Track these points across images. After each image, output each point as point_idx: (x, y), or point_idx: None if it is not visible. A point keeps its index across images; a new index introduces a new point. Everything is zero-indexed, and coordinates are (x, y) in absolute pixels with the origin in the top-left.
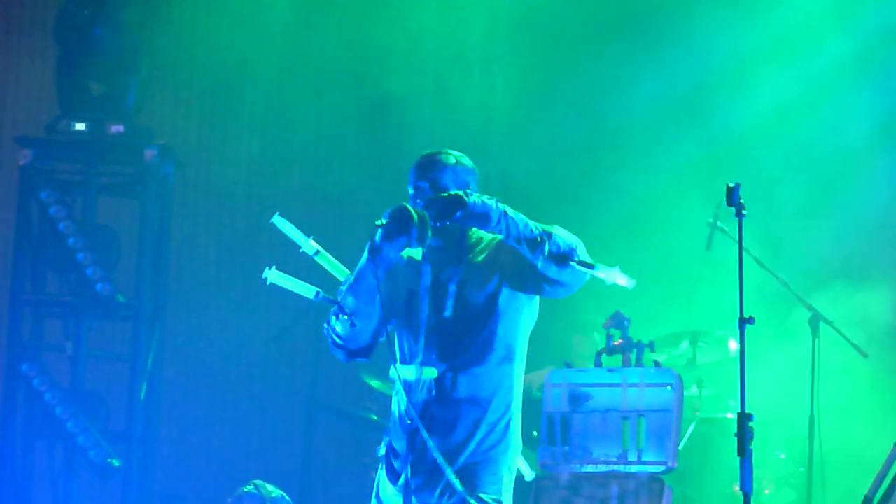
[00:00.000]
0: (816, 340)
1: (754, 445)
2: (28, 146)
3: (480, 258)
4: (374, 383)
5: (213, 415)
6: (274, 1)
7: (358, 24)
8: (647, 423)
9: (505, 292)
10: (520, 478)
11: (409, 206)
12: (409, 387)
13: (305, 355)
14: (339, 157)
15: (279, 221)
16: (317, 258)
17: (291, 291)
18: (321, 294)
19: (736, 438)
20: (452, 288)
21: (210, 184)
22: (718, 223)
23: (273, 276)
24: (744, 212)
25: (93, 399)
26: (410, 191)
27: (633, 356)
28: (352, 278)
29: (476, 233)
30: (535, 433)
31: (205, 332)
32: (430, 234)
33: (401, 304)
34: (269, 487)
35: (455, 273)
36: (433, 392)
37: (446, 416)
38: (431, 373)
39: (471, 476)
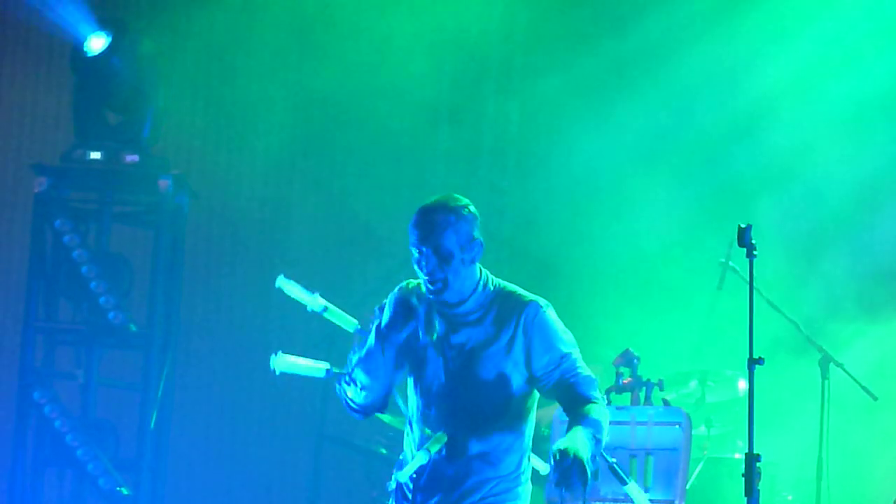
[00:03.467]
0: (826, 382)
1: (762, 486)
2: (43, 174)
3: (495, 322)
4: (385, 418)
5: (223, 445)
6: (289, 34)
7: (372, 54)
8: (655, 462)
9: (517, 360)
10: None
11: (413, 299)
12: (420, 444)
13: (315, 387)
14: (354, 185)
15: (284, 283)
16: (325, 315)
17: (299, 374)
18: (331, 371)
19: (744, 479)
20: (465, 352)
21: (223, 214)
22: (730, 263)
23: (280, 363)
24: (755, 252)
25: (103, 427)
26: (414, 252)
27: (641, 394)
28: (362, 353)
29: (488, 292)
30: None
31: (215, 363)
32: (437, 324)
33: (413, 363)
34: None
35: (468, 336)
36: (443, 452)
37: (456, 474)
38: (442, 437)
39: None
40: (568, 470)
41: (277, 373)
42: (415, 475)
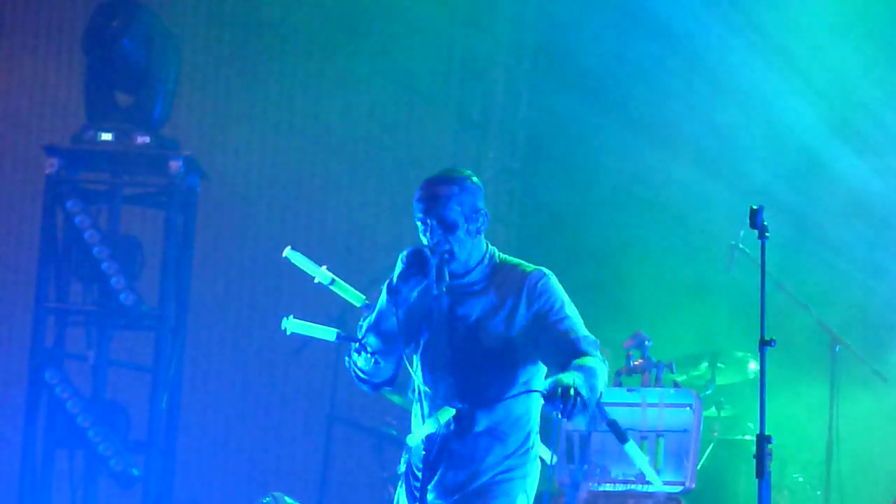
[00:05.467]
0: (835, 363)
1: (772, 467)
2: (54, 155)
3: (499, 292)
4: (395, 399)
5: (233, 426)
6: (299, 13)
7: (384, 38)
8: (666, 444)
9: (522, 329)
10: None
11: (425, 250)
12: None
13: (325, 369)
14: (364, 168)
15: (292, 255)
16: (332, 287)
17: (309, 335)
18: (341, 335)
19: (754, 460)
20: (470, 323)
21: (234, 195)
22: (741, 245)
23: (291, 325)
24: (767, 234)
25: (114, 408)
26: (419, 224)
27: (652, 376)
28: (372, 318)
29: (493, 263)
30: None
31: (226, 344)
32: (447, 275)
33: (421, 337)
34: (288, 500)
35: (473, 307)
36: (451, 426)
37: (464, 450)
38: (449, 410)
39: (484, 497)
40: (564, 396)
41: (288, 332)
42: (424, 452)
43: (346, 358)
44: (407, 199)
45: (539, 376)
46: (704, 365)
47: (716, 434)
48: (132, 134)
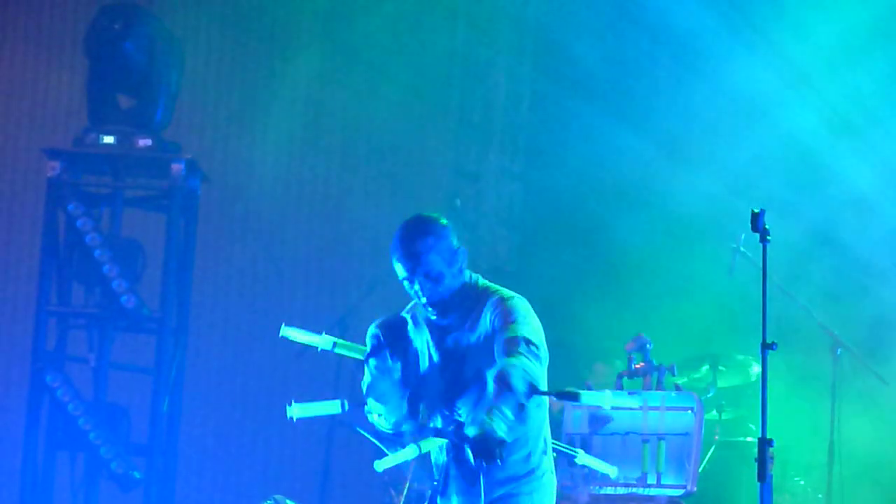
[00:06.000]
0: (837, 366)
1: (773, 471)
2: (56, 158)
3: (474, 319)
4: None
5: (234, 428)
6: (302, 16)
7: (385, 39)
8: (667, 447)
9: (490, 349)
10: None
11: (392, 318)
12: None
13: (327, 372)
14: (366, 171)
15: (288, 331)
16: (336, 350)
17: (317, 415)
18: (347, 405)
19: (756, 463)
20: (454, 355)
21: (236, 198)
22: (742, 248)
23: (295, 411)
24: (768, 238)
25: (115, 411)
26: (404, 283)
27: (654, 379)
28: (366, 383)
29: (470, 292)
30: (554, 454)
31: (228, 346)
32: (426, 333)
33: (415, 376)
34: (289, 503)
35: (454, 340)
36: (450, 453)
37: (465, 476)
38: (434, 440)
39: None
40: (480, 450)
41: (295, 420)
42: (435, 482)
43: (359, 428)
44: (408, 201)
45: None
46: (706, 368)
47: (717, 437)
48: (134, 137)
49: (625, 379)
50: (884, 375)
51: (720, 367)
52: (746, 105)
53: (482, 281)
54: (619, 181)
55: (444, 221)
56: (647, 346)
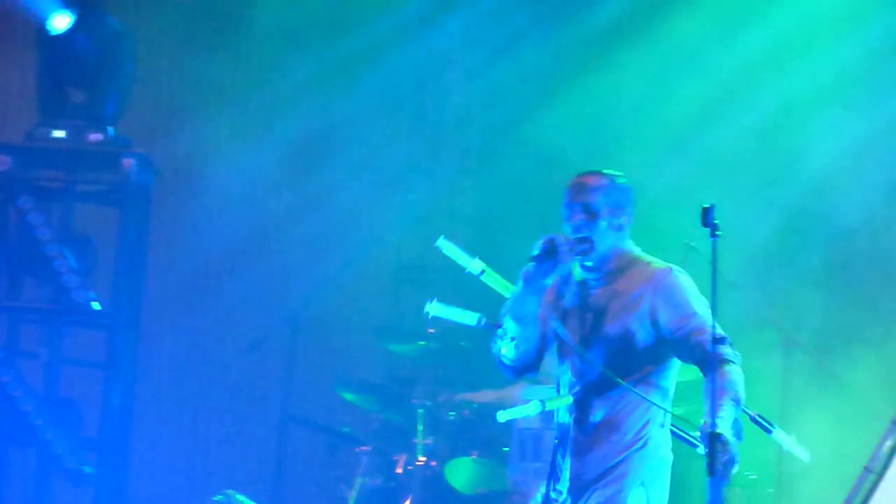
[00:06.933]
0: (788, 361)
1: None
2: (7, 153)
3: (627, 286)
4: (348, 396)
5: (187, 424)
6: (253, 9)
7: (343, 43)
8: None
9: (646, 323)
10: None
11: (559, 238)
12: (558, 408)
13: (280, 366)
14: (317, 166)
15: (444, 245)
16: (482, 278)
17: (452, 319)
18: (483, 320)
19: (706, 458)
20: (596, 313)
21: (188, 192)
22: (692, 244)
23: (434, 308)
24: (718, 233)
25: (67, 406)
26: (565, 210)
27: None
28: (510, 304)
29: (627, 259)
30: (505, 448)
31: (180, 341)
32: (580, 267)
33: (553, 323)
34: (240, 498)
35: (599, 297)
36: (573, 414)
37: (584, 439)
38: (562, 399)
39: (597, 486)
40: (716, 455)
41: (430, 315)
42: (556, 441)
43: (492, 346)
44: (358, 197)
45: (669, 372)
46: None
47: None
48: (85, 131)
49: None
50: (836, 372)
51: None
52: (706, 99)
53: (638, 251)
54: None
55: (625, 180)
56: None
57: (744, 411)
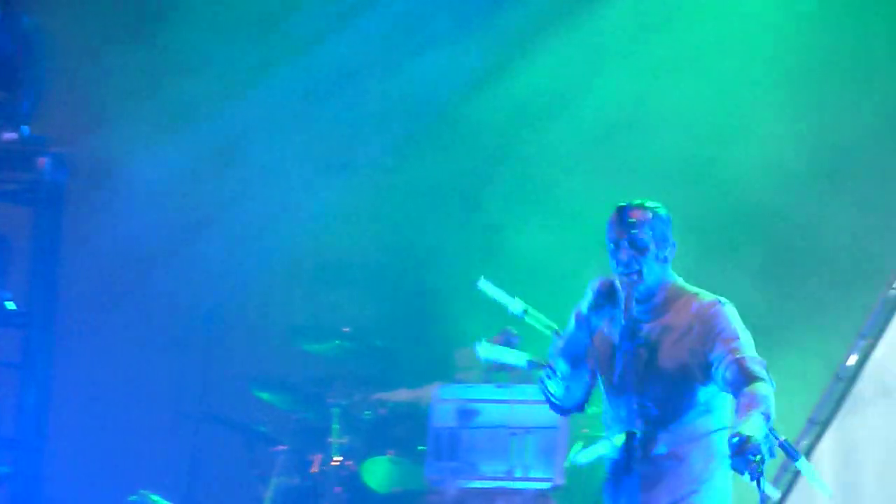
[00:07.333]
0: None
1: None
2: None
3: (676, 318)
4: (264, 396)
5: (103, 423)
6: (177, 8)
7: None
8: (535, 440)
9: (695, 352)
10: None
11: (614, 281)
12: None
13: (196, 366)
14: (236, 164)
15: (485, 285)
16: (525, 318)
17: (501, 360)
18: (532, 361)
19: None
20: (649, 347)
21: (104, 191)
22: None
23: (485, 349)
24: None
25: None
26: (610, 245)
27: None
28: (561, 344)
29: (674, 291)
30: (421, 447)
31: (97, 340)
32: (634, 305)
33: (605, 361)
34: (154, 497)
35: (651, 332)
36: (638, 450)
37: (650, 473)
38: (632, 432)
39: None
40: (745, 455)
41: (482, 358)
42: (610, 476)
43: (539, 384)
44: (277, 195)
45: (719, 399)
46: None
47: (585, 430)
48: None
49: (493, 372)
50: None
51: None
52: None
53: (682, 282)
54: (488, 162)
55: (665, 211)
56: (513, 340)
57: (772, 433)
